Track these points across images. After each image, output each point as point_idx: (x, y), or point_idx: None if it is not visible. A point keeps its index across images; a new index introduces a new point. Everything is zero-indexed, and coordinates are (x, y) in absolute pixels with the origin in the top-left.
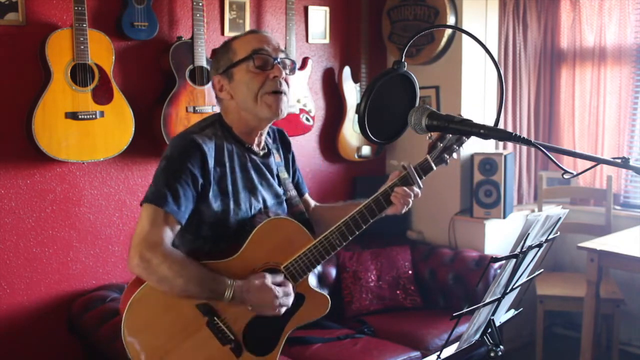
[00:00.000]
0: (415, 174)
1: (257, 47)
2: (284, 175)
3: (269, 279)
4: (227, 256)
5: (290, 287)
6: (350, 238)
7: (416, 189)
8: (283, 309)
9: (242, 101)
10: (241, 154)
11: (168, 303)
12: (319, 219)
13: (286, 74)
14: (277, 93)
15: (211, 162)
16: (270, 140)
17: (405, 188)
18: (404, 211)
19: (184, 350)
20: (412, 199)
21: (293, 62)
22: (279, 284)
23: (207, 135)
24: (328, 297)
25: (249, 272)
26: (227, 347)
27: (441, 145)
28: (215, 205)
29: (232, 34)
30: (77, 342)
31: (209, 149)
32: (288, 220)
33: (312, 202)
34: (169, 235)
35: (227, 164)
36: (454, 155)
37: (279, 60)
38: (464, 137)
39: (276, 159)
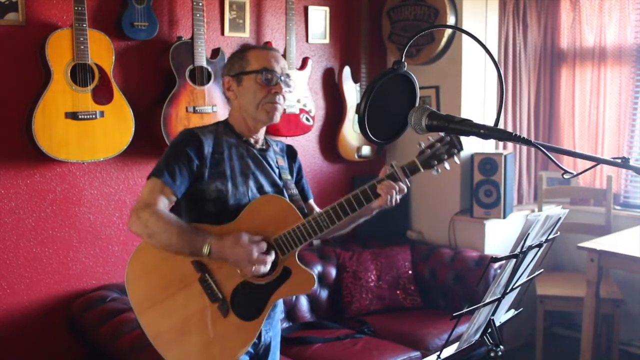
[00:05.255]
0: (401, 172)
1: (268, 65)
2: (286, 177)
3: (244, 236)
4: None
5: (264, 245)
6: (337, 222)
7: (402, 185)
8: (261, 268)
9: (245, 104)
10: (239, 146)
11: (166, 256)
12: None
13: (285, 91)
14: (276, 104)
15: (207, 149)
16: (276, 148)
17: (390, 181)
18: (389, 204)
19: (174, 302)
20: (398, 193)
21: (293, 83)
22: (255, 243)
23: (208, 130)
24: (314, 275)
25: None
26: (215, 305)
27: (430, 151)
28: (215, 184)
29: (232, 34)
30: (77, 342)
31: (207, 139)
32: (281, 198)
33: (317, 209)
34: (163, 201)
35: (225, 152)
36: (446, 165)
37: (282, 79)
38: (454, 149)
39: (279, 163)
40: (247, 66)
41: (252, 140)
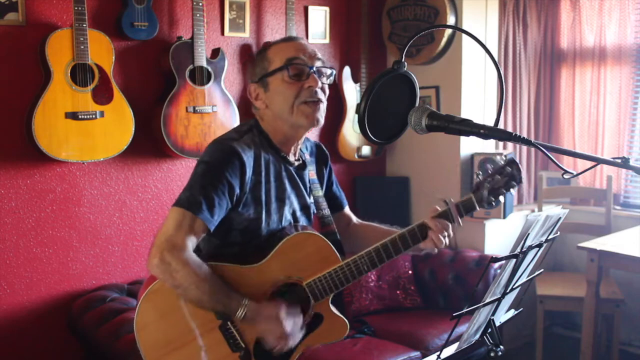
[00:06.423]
0: (455, 210)
1: (291, 56)
2: (317, 193)
3: (283, 310)
4: (251, 263)
5: (300, 320)
6: (379, 265)
7: (453, 229)
8: (286, 347)
9: (278, 111)
10: (277, 163)
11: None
12: (360, 236)
13: (323, 82)
14: (314, 102)
15: (249, 172)
16: (307, 155)
17: (443, 221)
18: (438, 250)
19: (192, 350)
20: (449, 237)
21: (331, 69)
22: (293, 316)
23: (247, 143)
24: (347, 321)
25: (270, 283)
26: (236, 355)
27: (488, 186)
28: (248, 213)
29: (232, 34)
30: (77, 342)
31: (248, 158)
32: (318, 236)
33: (354, 218)
34: (192, 241)
35: (263, 173)
36: (501, 198)
37: (314, 69)
38: (513, 182)
39: (310, 176)
40: (270, 65)
41: (290, 157)
